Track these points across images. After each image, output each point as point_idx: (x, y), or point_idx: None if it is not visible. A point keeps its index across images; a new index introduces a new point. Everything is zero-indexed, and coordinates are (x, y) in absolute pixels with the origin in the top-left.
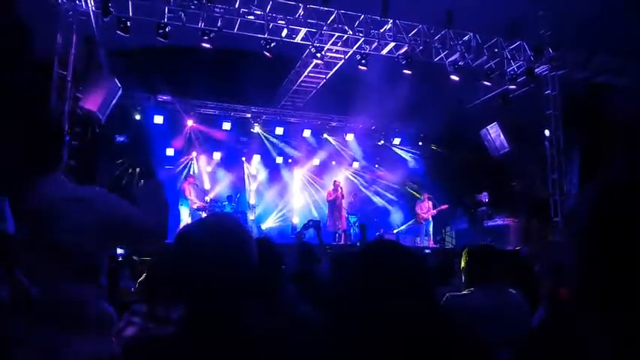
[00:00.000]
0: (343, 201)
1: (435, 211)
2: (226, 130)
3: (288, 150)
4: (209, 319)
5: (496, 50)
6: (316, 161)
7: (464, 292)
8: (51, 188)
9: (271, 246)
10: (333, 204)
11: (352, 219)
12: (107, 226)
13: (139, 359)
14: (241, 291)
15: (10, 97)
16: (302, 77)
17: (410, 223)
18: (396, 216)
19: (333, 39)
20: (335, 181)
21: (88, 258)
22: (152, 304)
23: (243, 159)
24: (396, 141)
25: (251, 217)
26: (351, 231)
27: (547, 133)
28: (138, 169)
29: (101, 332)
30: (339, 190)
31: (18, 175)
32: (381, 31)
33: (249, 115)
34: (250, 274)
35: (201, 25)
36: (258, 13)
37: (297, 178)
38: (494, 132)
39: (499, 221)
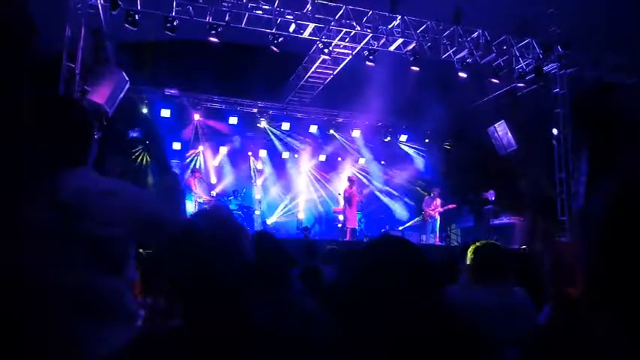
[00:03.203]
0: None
1: (442, 209)
2: (233, 125)
3: (294, 145)
4: (207, 313)
5: (505, 48)
6: (322, 157)
7: (469, 291)
8: (81, 181)
9: (276, 241)
10: (348, 200)
11: (358, 215)
12: (135, 218)
13: (145, 354)
14: (238, 284)
15: (45, 93)
16: (309, 73)
17: (416, 219)
18: (402, 213)
19: (341, 34)
20: (349, 176)
21: (117, 250)
22: (156, 296)
23: (250, 154)
24: (403, 138)
25: (257, 211)
26: (357, 227)
27: (555, 131)
28: (153, 162)
29: (129, 323)
30: (353, 187)
31: (49, 167)
32: (389, 27)
33: (255, 110)
34: (245, 267)
35: (208, 19)
36: (266, 7)
37: (303, 173)
38: (501, 130)
39: (505, 219)
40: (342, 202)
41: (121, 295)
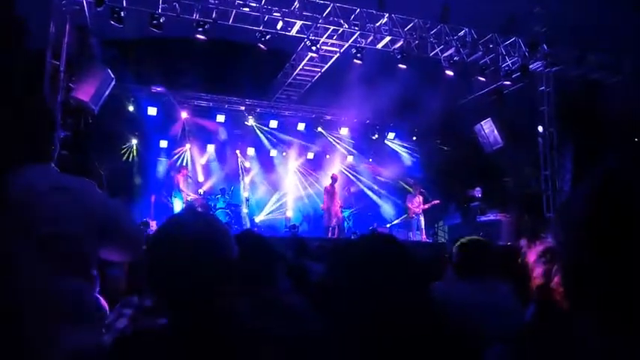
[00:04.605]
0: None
1: (425, 206)
2: (220, 123)
3: (282, 143)
4: (192, 312)
5: (491, 46)
6: (310, 155)
7: (455, 287)
8: (33, 177)
9: (261, 238)
10: (330, 197)
11: (346, 213)
12: (91, 217)
13: (130, 352)
14: (221, 282)
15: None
16: (297, 70)
17: (403, 217)
18: (390, 210)
19: (329, 32)
20: (333, 174)
21: (74, 249)
22: (142, 295)
23: (237, 151)
24: (391, 135)
25: (245, 210)
26: (345, 225)
27: (540, 129)
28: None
29: (90, 325)
30: (335, 184)
31: (2, 163)
32: (377, 25)
33: (243, 108)
34: (228, 265)
35: (195, 16)
36: (254, 5)
37: (291, 171)
38: (487, 127)
39: (491, 216)
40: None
41: (80, 296)
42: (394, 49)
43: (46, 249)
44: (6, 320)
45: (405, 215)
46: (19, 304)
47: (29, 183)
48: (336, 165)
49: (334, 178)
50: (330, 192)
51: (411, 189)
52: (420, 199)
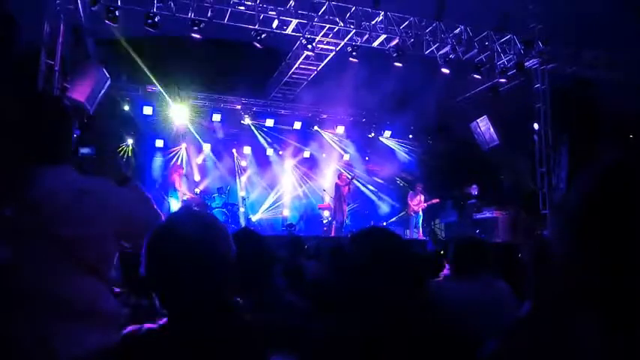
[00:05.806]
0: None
1: (425, 205)
2: (216, 122)
3: (278, 142)
4: (190, 312)
5: (486, 43)
6: (307, 153)
7: (451, 284)
8: (56, 180)
9: (258, 238)
10: (338, 194)
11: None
12: (114, 217)
13: (128, 353)
14: (220, 283)
15: (21, 87)
16: (293, 69)
17: (400, 214)
18: (386, 208)
19: (324, 30)
20: (339, 171)
21: (95, 251)
22: (139, 295)
23: (234, 151)
24: (387, 133)
25: (241, 209)
26: (344, 222)
27: (536, 126)
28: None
29: (106, 325)
30: (343, 181)
31: (23, 165)
32: (373, 23)
33: (239, 107)
34: (226, 266)
35: (191, 15)
36: (249, 3)
37: (288, 170)
38: (484, 125)
39: (488, 214)
40: (327, 199)
41: (96, 297)
42: (390, 47)
43: (67, 251)
44: (22, 320)
45: (404, 212)
46: (36, 305)
47: (53, 185)
48: (333, 163)
49: (339, 177)
50: (336, 190)
51: (408, 187)
52: (421, 197)
